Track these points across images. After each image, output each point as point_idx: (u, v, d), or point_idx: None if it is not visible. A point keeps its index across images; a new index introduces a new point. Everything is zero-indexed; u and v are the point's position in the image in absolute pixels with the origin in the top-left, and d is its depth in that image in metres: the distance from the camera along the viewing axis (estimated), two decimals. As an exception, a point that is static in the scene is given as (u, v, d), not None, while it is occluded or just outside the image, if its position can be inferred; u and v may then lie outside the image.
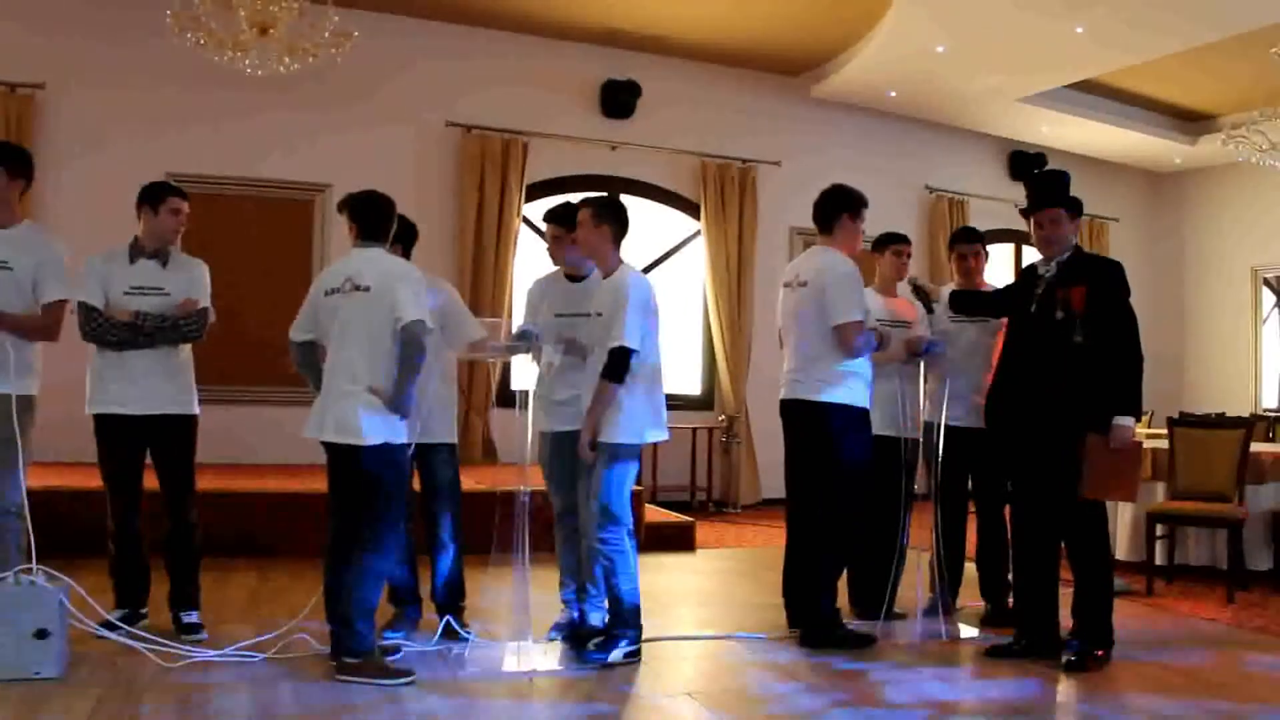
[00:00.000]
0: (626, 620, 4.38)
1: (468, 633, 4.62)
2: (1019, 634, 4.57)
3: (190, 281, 4.57)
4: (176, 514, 4.53)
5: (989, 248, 5.59)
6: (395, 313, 4.00)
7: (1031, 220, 4.62)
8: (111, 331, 4.37)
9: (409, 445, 4.24)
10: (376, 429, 4.00)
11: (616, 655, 4.32)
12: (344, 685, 3.88)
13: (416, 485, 4.70)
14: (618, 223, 4.44)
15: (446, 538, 4.69)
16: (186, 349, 4.57)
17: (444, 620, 4.62)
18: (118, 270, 4.46)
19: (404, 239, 4.56)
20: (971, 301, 5.14)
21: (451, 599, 4.71)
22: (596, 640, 4.43)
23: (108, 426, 4.45)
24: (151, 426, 4.46)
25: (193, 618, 4.51)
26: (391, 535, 4.09)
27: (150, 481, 4.58)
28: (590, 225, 4.41)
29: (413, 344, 3.99)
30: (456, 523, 4.72)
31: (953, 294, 5.19)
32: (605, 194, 4.88)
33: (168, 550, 4.54)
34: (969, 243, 5.42)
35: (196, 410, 4.59)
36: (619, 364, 4.24)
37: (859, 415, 4.73)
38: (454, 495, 4.74)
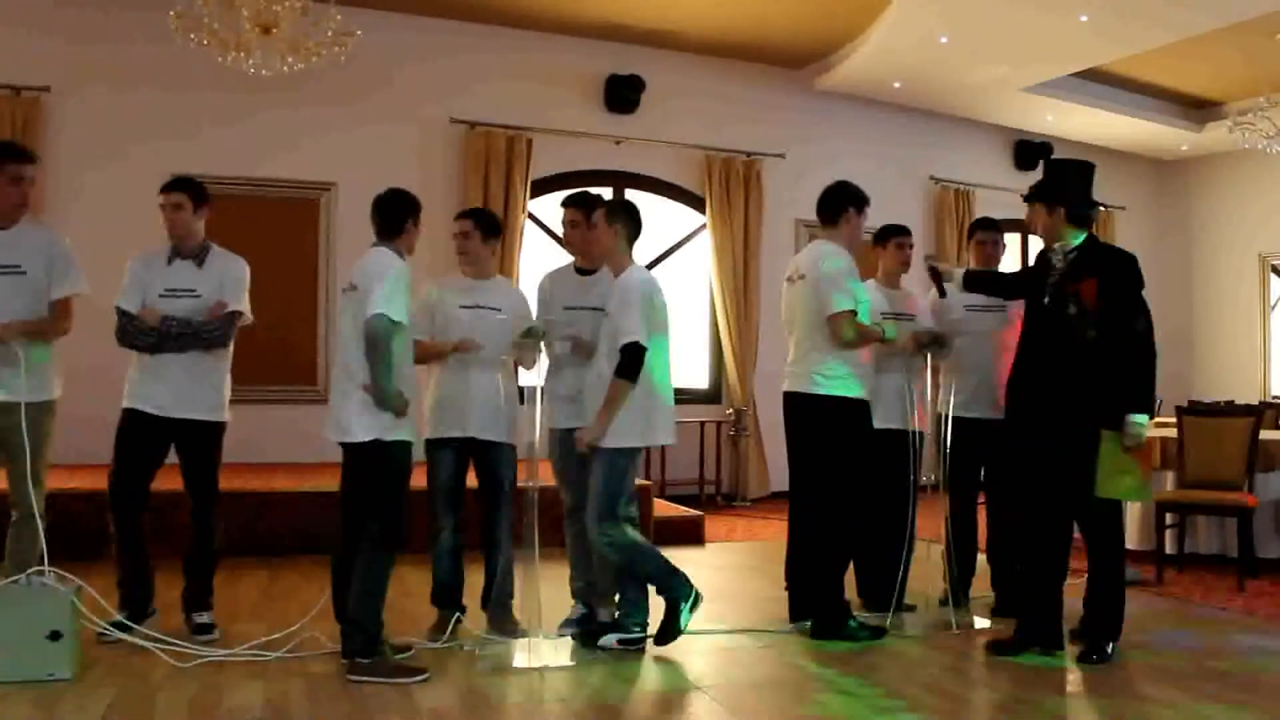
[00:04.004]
0: (635, 602, 4.45)
1: (520, 630, 4.60)
2: (1019, 625, 4.52)
3: (223, 282, 4.56)
4: (199, 518, 4.55)
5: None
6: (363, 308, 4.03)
7: None
8: (139, 336, 4.40)
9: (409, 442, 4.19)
10: (366, 426, 4.04)
11: (609, 640, 4.39)
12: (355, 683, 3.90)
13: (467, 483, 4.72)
14: (630, 222, 4.49)
15: (503, 537, 4.68)
16: (224, 352, 4.57)
17: (493, 616, 4.65)
18: (156, 273, 4.49)
19: None
20: (986, 282, 5.10)
21: (504, 597, 4.71)
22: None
23: (133, 420, 4.45)
24: (177, 429, 4.47)
25: (205, 618, 4.53)
26: (395, 532, 4.10)
27: (173, 483, 4.59)
28: (603, 224, 4.47)
29: (370, 338, 4.00)
30: (511, 523, 4.71)
31: (967, 273, 5.14)
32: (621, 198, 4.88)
33: (188, 553, 4.56)
34: (987, 230, 5.51)
35: (224, 417, 4.57)
36: (632, 360, 4.26)
37: (856, 406, 4.73)
38: (511, 496, 4.72)
